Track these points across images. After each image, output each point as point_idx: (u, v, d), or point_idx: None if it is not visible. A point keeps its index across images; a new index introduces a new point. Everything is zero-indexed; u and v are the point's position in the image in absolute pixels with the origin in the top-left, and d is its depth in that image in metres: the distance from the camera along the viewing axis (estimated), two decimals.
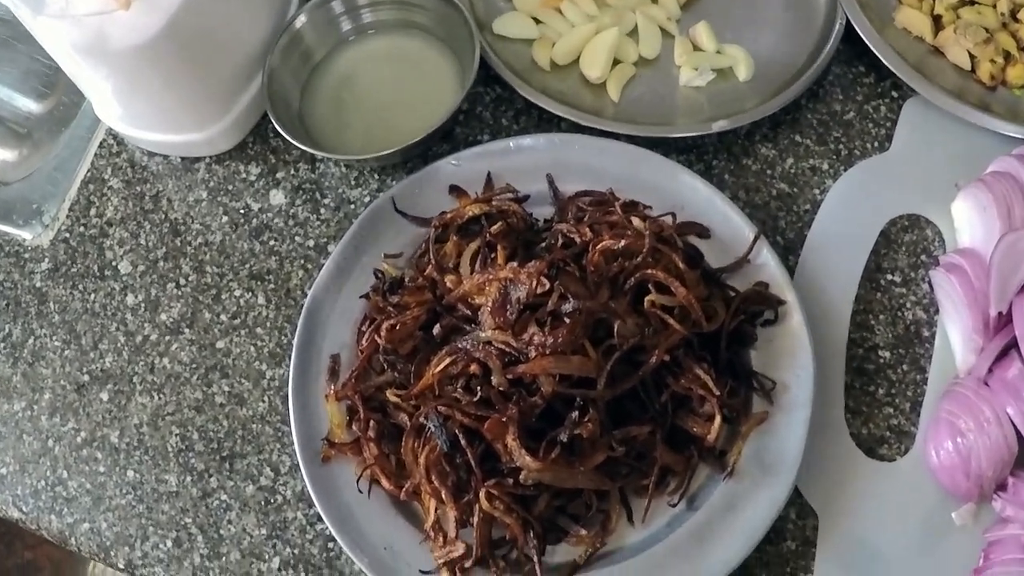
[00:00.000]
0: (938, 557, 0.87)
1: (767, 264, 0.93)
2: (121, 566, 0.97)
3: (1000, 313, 0.90)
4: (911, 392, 0.94)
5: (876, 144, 1.05)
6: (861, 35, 1.05)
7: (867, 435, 0.92)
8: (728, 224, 0.96)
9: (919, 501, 0.89)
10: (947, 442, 0.87)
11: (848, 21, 1.06)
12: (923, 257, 0.99)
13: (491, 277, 0.86)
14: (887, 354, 0.95)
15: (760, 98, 1.05)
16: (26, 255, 1.11)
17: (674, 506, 0.87)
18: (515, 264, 0.86)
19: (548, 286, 0.83)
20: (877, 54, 1.04)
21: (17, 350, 1.06)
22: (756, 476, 0.86)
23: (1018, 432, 0.85)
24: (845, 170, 1.04)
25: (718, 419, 0.85)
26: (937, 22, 1.08)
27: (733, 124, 1.01)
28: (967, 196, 0.97)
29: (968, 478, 0.86)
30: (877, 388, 0.94)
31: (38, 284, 1.09)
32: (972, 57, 1.06)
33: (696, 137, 1.05)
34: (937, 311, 0.96)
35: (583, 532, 0.86)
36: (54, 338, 1.06)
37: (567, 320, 0.82)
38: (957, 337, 0.93)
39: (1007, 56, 1.05)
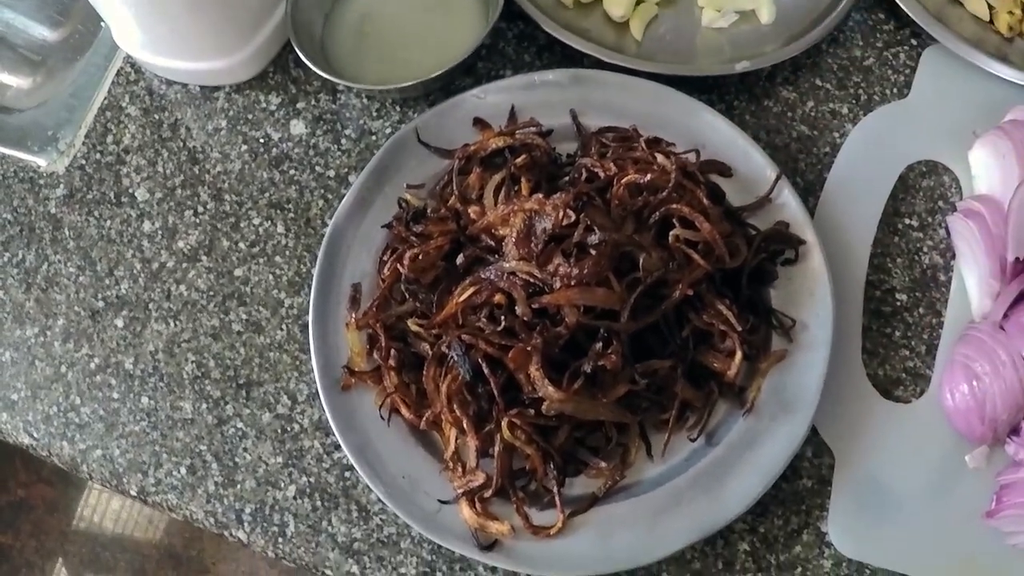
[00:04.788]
0: (951, 499, 0.88)
1: (788, 204, 0.94)
2: (134, 493, 0.97)
3: (1017, 259, 0.90)
4: (927, 335, 0.95)
5: (895, 91, 1.05)
6: None
7: (883, 376, 0.93)
8: (749, 163, 0.96)
9: (933, 443, 0.90)
10: (962, 385, 0.88)
11: None
12: (940, 203, 1.00)
13: (516, 208, 0.86)
14: (904, 297, 0.96)
15: (782, 41, 1.05)
16: (41, 181, 1.10)
17: (693, 441, 0.87)
18: (540, 195, 0.86)
19: (574, 218, 0.83)
20: (897, 1, 1.04)
21: (31, 276, 1.06)
22: (774, 413, 0.87)
23: None
24: (864, 115, 1.04)
25: (739, 355, 0.86)
26: None
27: (756, 65, 1.01)
28: (986, 143, 0.98)
29: (982, 421, 0.87)
30: (894, 330, 0.95)
31: (53, 210, 1.08)
32: (991, 8, 1.06)
33: (717, 77, 1.05)
34: (953, 256, 0.97)
35: (602, 465, 0.86)
36: (68, 264, 1.05)
37: (592, 252, 0.82)
38: (973, 282, 0.94)
39: None
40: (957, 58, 1.03)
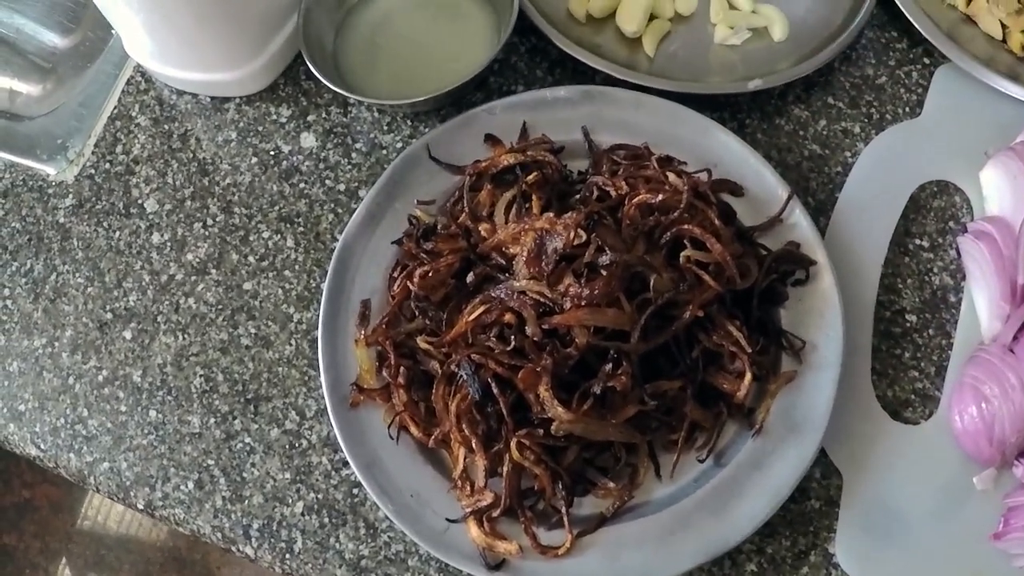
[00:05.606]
0: (958, 521, 0.88)
1: (799, 224, 0.94)
2: (141, 507, 0.97)
3: None
4: (936, 356, 0.94)
5: (907, 109, 1.05)
6: (895, 0, 1.05)
7: (892, 397, 0.93)
8: (761, 183, 0.96)
9: (941, 465, 0.90)
10: (971, 407, 0.88)
11: None
12: (951, 223, 1.00)
13: (527, 227, 0.86)
14: (914, 318, 0.96)
15: (794, 59, 1.05)
16: (50, 190, 1.10)
17: (702, 461, 0.87)
18: (551, 215, 0.86)
19: (585, 238, 0.83)
20: (911, 19, 1.05)
21: (39, 286, 1.05)
22: (783, 434, 0.87)
23: None
24: (876, 134, 1.04)
25: (748, 376, 0.86)
26: None
27: (768, 84, 1.01)
28: (997, 164, 0.98)
29: (991, 444, 0.86)
30: (903, 351, 0.95)
31: (61, 220, 1.08)
32: (1004, 27, 1.06)
33: (730, 95, 1.05)
34: (964, 277, 0.97)
35: (611, 485, 0.86)
36: (77, 275, 1.05)
37: (603, 272, 0.81)
38: (983, 304, 0.94)
39: None
40: (970, 77, 1.03)
